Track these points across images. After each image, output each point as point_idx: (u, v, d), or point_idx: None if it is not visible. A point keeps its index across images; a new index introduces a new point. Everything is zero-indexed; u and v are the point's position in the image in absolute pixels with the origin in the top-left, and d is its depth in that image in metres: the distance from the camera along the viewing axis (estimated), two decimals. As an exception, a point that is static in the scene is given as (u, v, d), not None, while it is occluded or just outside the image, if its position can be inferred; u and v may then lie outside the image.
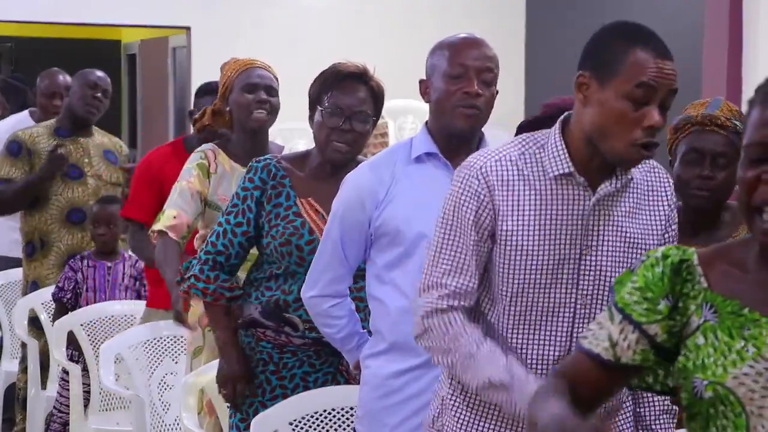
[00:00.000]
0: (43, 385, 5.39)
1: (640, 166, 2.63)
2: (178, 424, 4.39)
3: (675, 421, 2.78)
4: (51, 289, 5.32)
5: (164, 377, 4.55)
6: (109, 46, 12.23)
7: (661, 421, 2.75)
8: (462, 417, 2.65)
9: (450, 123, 3.06)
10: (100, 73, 5.71)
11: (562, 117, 2.61)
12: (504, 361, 2.54)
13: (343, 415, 3.42)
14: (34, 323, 5.48)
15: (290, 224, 3.44)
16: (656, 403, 2.75)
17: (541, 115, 3.93)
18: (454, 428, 2.66)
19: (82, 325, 5.01)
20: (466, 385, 2.61)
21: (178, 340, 4.54)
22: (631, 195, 2.62)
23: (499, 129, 7.26)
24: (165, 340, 4.58)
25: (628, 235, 2.60)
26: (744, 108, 2.09)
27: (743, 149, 1.96)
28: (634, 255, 2.60)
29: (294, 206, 3.47)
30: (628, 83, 2.43)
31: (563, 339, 2.58)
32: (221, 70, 4.24)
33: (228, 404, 3.60)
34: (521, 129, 3.90)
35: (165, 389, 4.53)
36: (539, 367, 2.58)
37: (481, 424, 2.64)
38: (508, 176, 2.57)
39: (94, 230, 5.33)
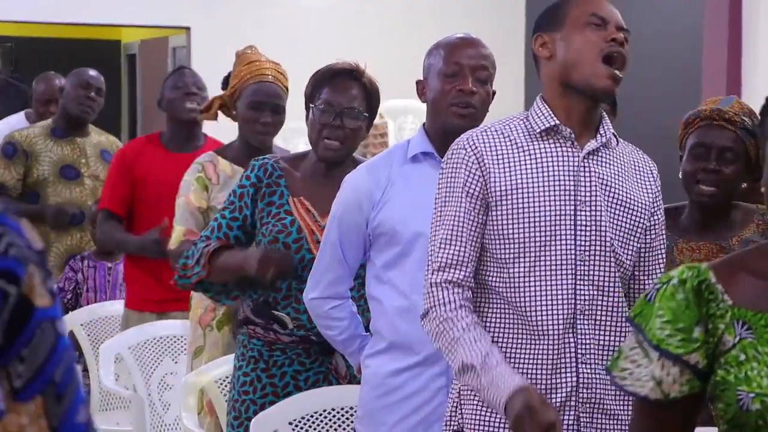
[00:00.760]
0: (44, 385, 5.39)
1: (626, 145, 2.74)
2: (178, 424, 4.40)
3: None
4: (51, 289, 5.31)
5: (164, 377, 4.55)
6: (109, 46, 12.22)
7: None
8: (482, 404, 2.65)
9: (446, 121, 3.08)
10: (92, 72, 5.68)
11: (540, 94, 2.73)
12: (484, 349, 2.54)
13: (342, 415, 3.42)
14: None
15: (279, 222, 3.45)
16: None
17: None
18: (475, 417, 2.66)
19: (82, 325, 5.01)
20: (451, 370, 2.62)
21: (178, 340, 4.54)
22: (617, 160, 2.69)
23: (499, 129, 7.26)
24: (165, 340, 4.58)
25: (618, 195, 2.66)
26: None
27: None
28: (625, 214, 2.66)
29: (286, 205, 3.47)
30: (581, 16, 2.64)
31: (567, 297, 2.60)
32: (236, 58, 4.23)
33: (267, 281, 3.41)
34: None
35: (165, 389, 4.53)
36: (549, 328, 2.59)
37: (498, 416, 2.62)
38: (494, 142, 2.65)
39: (94, 231, 5.33)
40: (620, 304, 2.65)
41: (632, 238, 2.68)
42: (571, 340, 2.60)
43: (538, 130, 2.64)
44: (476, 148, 2.63)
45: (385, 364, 3.09)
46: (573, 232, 2.60)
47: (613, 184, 2.66)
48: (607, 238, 2.62)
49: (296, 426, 3.38)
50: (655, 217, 2.74)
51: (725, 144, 3.22)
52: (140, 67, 11.99)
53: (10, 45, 12.35)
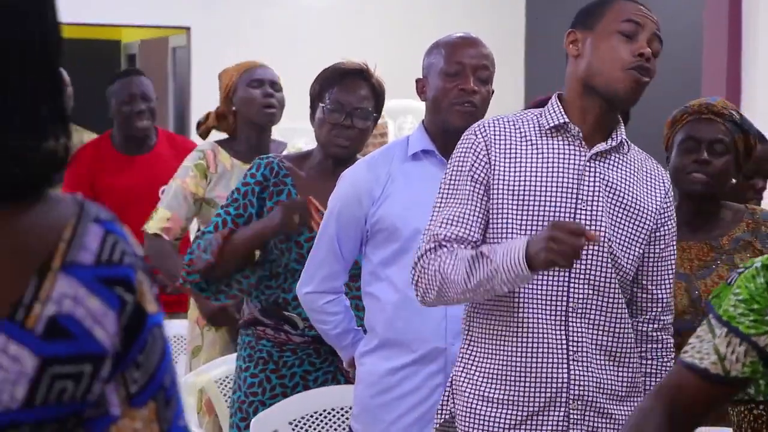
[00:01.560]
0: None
1: (639, 152, 2.73)
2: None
3: None
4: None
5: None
6: (109, 46, 12.21)
7: None
8: (470, 393, 2.66)
9: (446, 120, 3.09)
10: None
11: (557, 93, 2.73)
12: (484, 246, 2.55)
13: (342, 415, 3.42)
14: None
15: (289, 221, 3.45)
16: None
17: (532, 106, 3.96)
18: (466, 405, 2.66)
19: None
20: (457, 292, 2.56)
21: (178, 340, 4.54)
22: (627, 166, 2.70)
23: (499, 129, 7.27)
24: (164, 340, 4.57)
25: (623, 199, 2.66)
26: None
27: None
28: (629, 219, 2.66)
29: (293, 203, 3.47)
30: (615, 21, 2.61)
31: (560, 293, 2.61)
32: (219, 77, 4.24)
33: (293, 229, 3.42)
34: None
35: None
36: (540, 323, 2.60)
37: (491, 397, 2.64)
38: (505, 132, 2.67)
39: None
40: (617, 306, 2.65)
41: (634, 243, 2.68)
42: (563, 336, 2.61)
43: (548, 127, 2.66)
44: (486, 135, 2.66)
45: (381, 363, 3.10)
46: None
47: (618, 188, 2.66)
48: (606, 239, 2.62)
49: (296, 426, 3.38)
50: (665, 227, 2.73)
51: (715, 136, 3.23)
52: (140, 67, 11.99)
53: (10, 45, 12.35)
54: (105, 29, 11.20)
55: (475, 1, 9.73)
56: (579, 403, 2.62)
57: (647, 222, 2.69)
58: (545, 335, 2.61)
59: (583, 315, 2.62)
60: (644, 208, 2.69)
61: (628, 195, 2.67)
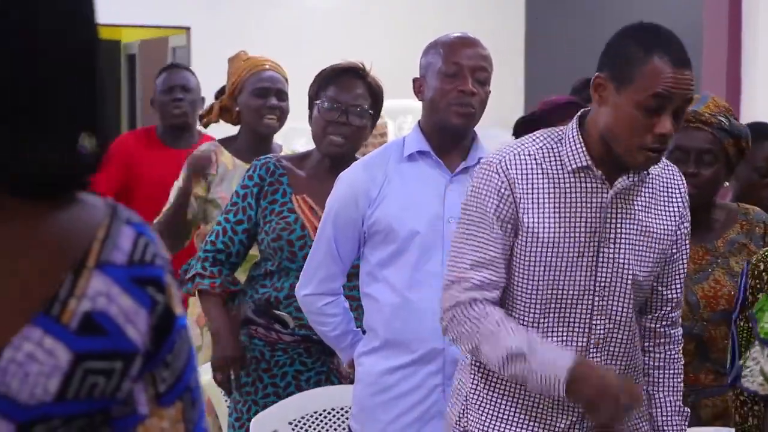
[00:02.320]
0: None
1: (654, 167, 2.65)
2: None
3: (686, 423, 2.78)
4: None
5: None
6: (109, 46, 12.22)
7: (673, 423, 2.76)
8: (487, 412, 2.66)
9: (444, 121, 3.08)
10: None
11: (579, 113, 2.64)
12: (525, 335, 2.54)
13: (342, 415, 3.42)
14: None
15: (283, 220, 3.46)
16: (668, 405, 2.76)
17: (538, 111, 3.94)
18: (480, 425, 2.67)
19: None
20: (490, 366, 2.59)
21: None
22: (647, 189, 2.65)
23: (499, 129, 7.27)
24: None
25: (645, 227, 2.63)
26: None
27: None
28: (651, 247, 2.64)
29: (289, 203, 3.48)
30: (642, 92, 2.46)
31: (583, 331, 2.61)
32: (229, 62, 4.22)
33: (222, 391, 3.61)
34: (518, 126, 3.92)
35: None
36: None
37: (507, 418, 2.65)
38: (527, 170, 2.59)
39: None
40: (634, 336, 2.67)
41: (656, 265, 2.68)
42: None
43: (570, 169, 2.59)
44: (509, 174, 2.58)
45: (380, 363, 3.10)
46: (594, 268, 2.60)
47: (640, 217, 2.63)
48: (630, 273, 2.61)
49: (296, 426, 3.38)
50: (680, 231, 2.71)
51: (703, 146, 3.21)
52: (140, 68, 11.99)
53: (10, 45, 12.35)
54: (105, 29, 11.18)
55: (478, 2, 9.75)
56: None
57: (668, 243, 2.68)
58: None
59: (603, 348, 2.63)
60: (665, 230, 2.67)
61: (650, 221, 2.65)
